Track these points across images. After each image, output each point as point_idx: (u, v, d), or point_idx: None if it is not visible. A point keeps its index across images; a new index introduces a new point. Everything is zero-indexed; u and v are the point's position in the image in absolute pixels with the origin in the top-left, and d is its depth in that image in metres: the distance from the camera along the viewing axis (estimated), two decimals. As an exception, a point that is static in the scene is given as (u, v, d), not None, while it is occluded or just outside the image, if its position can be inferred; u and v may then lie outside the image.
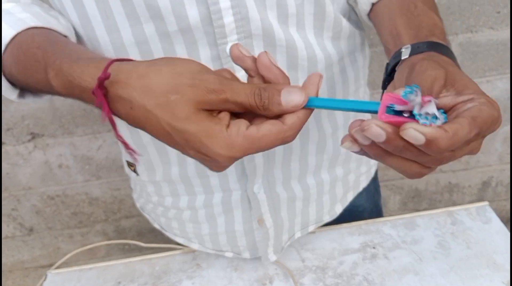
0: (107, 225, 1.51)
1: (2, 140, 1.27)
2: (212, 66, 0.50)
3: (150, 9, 0.46)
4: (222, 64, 0.50)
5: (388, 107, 0.32)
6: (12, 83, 0.47)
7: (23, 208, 1.43)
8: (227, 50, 0.48)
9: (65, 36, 0.47)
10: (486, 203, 0.76)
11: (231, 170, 0.59)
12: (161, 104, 0.33)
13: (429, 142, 0.29)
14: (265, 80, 0.37)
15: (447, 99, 0.35)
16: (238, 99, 0.34)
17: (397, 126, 0.31)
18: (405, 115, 0.32)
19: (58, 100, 1.20)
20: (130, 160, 0.64)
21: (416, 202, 1.51)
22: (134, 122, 0.35)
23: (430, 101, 0.31)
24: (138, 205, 0.76)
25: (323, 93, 0.58)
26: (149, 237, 1.53)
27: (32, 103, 1.21)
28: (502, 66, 1.20)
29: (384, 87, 0.45)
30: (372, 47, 1.15)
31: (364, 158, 0.71)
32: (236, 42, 0.48)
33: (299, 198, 0.65)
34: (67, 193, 1.41)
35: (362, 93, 0.67)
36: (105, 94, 0.34)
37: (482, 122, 0.31)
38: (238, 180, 0.60)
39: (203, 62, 0.49)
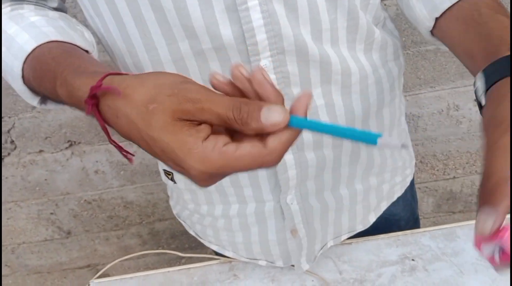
0: (142, 228, 1.55)
1: (41, 148, 1.32)
2: None
3: (185, 29, 0.47)
4: None
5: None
6: (33, 91, 0.49)
7: (61, 212, 1.48)
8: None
9: (86, 51, 0.49)
10: (529, 212, 0.74)
11: (264, 181, 0.60)
12: (140, 114, 0.33)
13: None
14: (260, 99, 0.34)
15: None
16: (215, 110, 0.32)
17: None
18: None
19: (94, 109, 1.23)
20: (168, 168, 0.66)
21: (451, 204, 1.48)
22: (121, 131, 0.35)
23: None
24: (174, 212, 0.78)
25: (357, 106, 0.57)
26: (181, 240, 1.56)
27: (61, 110, 1.24)
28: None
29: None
30: (404, 49, 1.13)
31: (399, 169, 0.70)
32: (268, 58, 0.49)
33: (331, 208, 0.65)
34: (103, 198, 1.45)
35: (398, 102, 0.66)
36: (96, 104, 0.35)
37: None
38: (271, 191, 0.61)
39: None
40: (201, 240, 0.75)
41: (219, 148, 0.32)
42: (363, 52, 0.55)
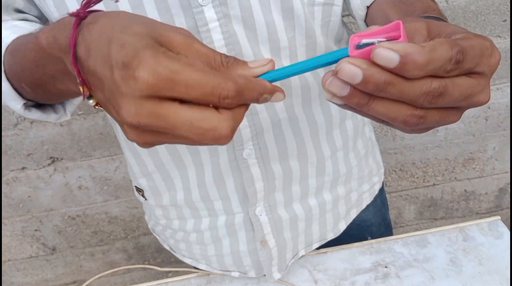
0: (127, 242, 1.54)
1: (24, 165, 1.32)
2: None
3: None
4: None
5: (358, 45, 0.29)
6: (16, 89, 0.45)
7: (46, 229, 1.47)
8: None
9: None
10: (498, 218, 0.76)
11: (233, 194, 0.61)
12: (121, 25, 0.30)
13: (404, 59, 0.26)
14: None
15: None
16: (203, 48, 0.30)
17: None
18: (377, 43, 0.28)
19: (76, 125, 1.23)
20: (138, 185, 0.67)
21: (432, 211, 1.50)
22: (88, 33, 0.30)
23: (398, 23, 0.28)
24: (149, 226, 0.79)
25: (320, 118, 0.59)
26: (167, 253, 1.56)
27: (43, 127, 1.25)
28: (513, 73, 1.19)
29: None
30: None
31: (365, 177, 0.72)
32: None
33: (301, 218, 0.67)
34: (87, 213, 1.44)
35: (360, 116, 0.68)
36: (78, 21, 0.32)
37: (467, 45, 0.28)
38: (240, 203, 0.62)
39: None
40: (175, 254, 0.76)
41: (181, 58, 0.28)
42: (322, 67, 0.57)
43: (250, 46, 0.50)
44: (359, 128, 0.67)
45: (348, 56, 0.29)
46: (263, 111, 0.54)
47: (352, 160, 0.67)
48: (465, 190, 1.45)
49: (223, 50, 0.48)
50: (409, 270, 0.69)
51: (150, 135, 0.30)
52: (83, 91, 0.32)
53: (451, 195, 1.47)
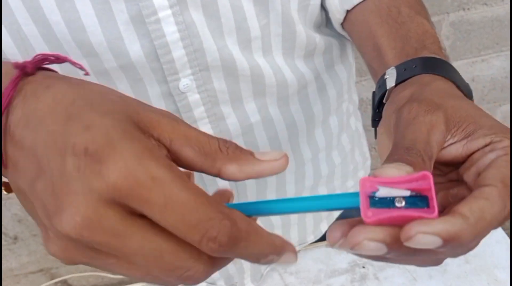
0: (94, 229, 1.48)
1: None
2: (164, 105, 0.43)
3: (80, 45, 0.39)
4: (175, 101, 0.43)
5: (370, 197, 0.23)
6: None
7: (5, 218, 1.40)
8: (180, 86, 0.41)
9: None
10: (484, 207, 0.70)
11: None
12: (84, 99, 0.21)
13: (447, 241, 0.21)
14: None
15: (456, 148, 0.26)
16: (193, 131, 0.23)
17: (395, 225, 0.22)
18: (399, 205, 0.22)
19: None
20: None
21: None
22: (34, 97, 0.22)
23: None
24: None
25: (299, 118, 0.51)
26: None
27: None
28: (499, 43, 1.12)
29: (375, 125, 0.36)
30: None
31: (350, 173, 0.65)
32: (189, 77, 0.41)
33: (277, 226, 0.60)
34: (48, 200, 1.36)
35: (346, 106, 0.60)
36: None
37: None
38: None
39: (153, 100, 0.42)
40: None
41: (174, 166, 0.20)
42: (302, 59, 0.48)
43: (213, 39, 0.40)
44: (344, 121, 0.59)
45: (359, 207, 0.23)
46: (230, 115, 0.46)
47: (335, 159, 0.59)
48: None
49: (178, 45, 0.39)
50: (389, 271, 0.63)
51: (83, 252, 0.20)
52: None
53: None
